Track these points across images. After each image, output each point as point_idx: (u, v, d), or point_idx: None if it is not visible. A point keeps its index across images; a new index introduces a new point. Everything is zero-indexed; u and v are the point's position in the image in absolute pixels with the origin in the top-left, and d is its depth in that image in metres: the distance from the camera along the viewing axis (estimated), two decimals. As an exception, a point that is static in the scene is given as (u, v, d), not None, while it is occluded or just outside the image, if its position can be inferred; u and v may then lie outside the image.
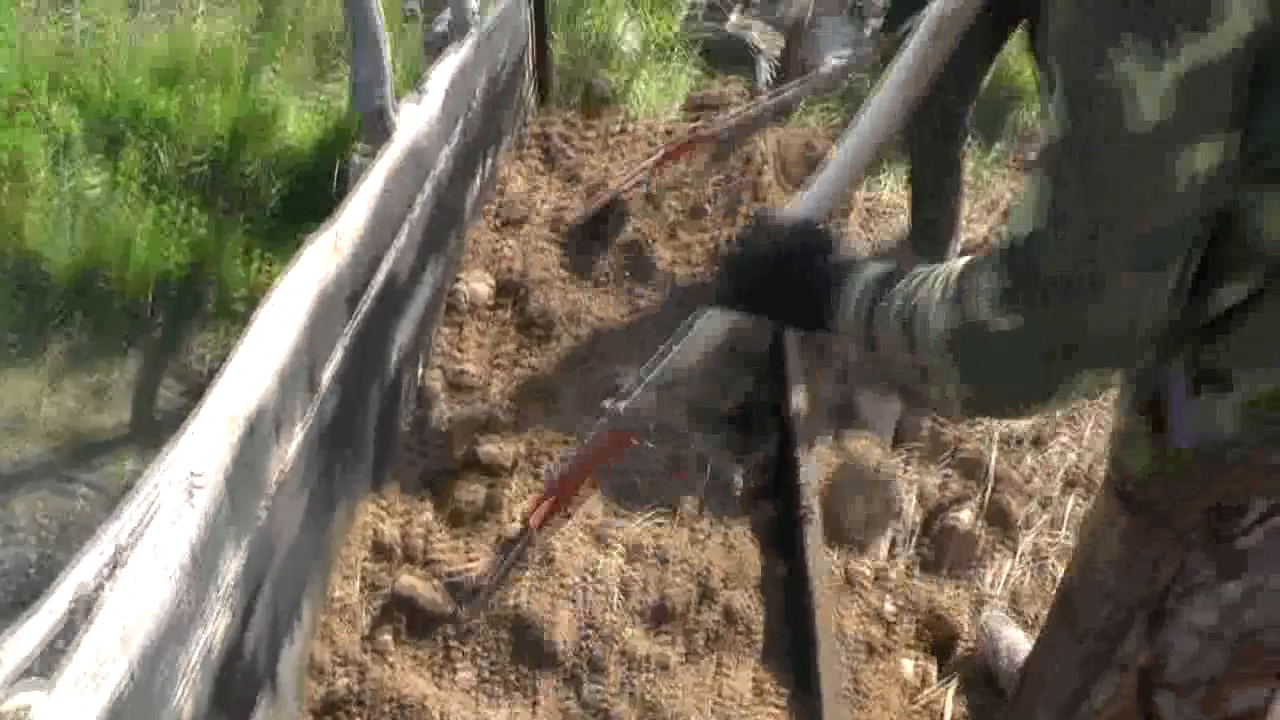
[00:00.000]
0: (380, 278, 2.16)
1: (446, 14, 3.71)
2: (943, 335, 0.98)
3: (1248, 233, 0.92)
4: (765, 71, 4.45)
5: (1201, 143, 0.84)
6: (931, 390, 1.03)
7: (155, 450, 1.37)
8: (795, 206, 1.45)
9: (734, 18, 5.11)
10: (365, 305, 2.07)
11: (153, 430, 3.61)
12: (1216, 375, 1.00)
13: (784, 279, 1.22)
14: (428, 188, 2.55)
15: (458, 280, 2.87)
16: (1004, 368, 0.95)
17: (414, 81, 3.09)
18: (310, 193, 4.40)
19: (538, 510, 1.91)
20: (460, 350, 2.69)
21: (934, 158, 2.84)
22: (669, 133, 3.71)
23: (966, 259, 1.01)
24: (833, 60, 3.89)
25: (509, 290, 2.90)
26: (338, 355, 1.92)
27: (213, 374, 1.53)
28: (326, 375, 1.86)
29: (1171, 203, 0.85)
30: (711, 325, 1.54)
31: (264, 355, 1.58)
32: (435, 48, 3.58)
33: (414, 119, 2.50)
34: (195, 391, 3.41)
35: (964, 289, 0.96)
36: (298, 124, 4.71)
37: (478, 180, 3.16)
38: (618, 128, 3.80)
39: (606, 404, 1.77)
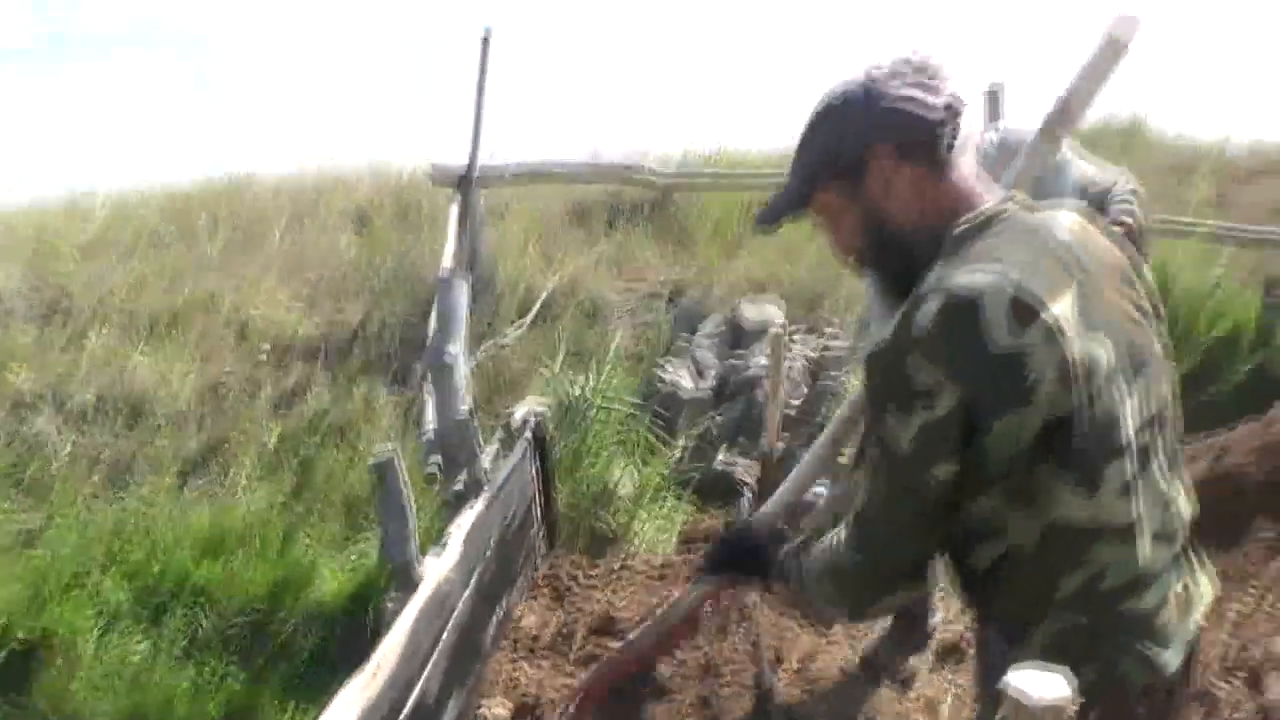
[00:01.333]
0: (410, 704, 2.48)
1: (464, 474, 4.23)
2: (826, 569, 1.61)
3: (987, 512, 1.46)
4: (747, 504, 4.93)
5: (940, 463, 1.40)
6: (825, 610, 1.73)
7: None
8: (765, 508, 2.04)
9: (720, 455, 5.70)
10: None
11: None
12: (1014, 629, 1.49)
13: (747, 556, 1.86)
14: (450, 627, 2.92)
15: (480, 706, 3.17)
16: (856, 587, 1.57)
17: (436, 536, 3.54)
18: (343, 642, 4.76)
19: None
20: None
21: None
22: (665, 565, 4.14)
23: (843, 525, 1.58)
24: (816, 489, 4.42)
25: (525, 712, 3.19)
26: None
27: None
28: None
29: (925, 496, 1.43)
30: (700, 586, 2.12)
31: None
32: (454, 504, 4.07)
33: (436, 569, 2.91)
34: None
35: (835, 543, 1.58)
36: (331, 580, 5.14)
37: (495, 618, 3.53)
38: (619, 564, 4.22)
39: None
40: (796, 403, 5.89)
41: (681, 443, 5.77)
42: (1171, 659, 1.44)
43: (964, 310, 1.35)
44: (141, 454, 6.28)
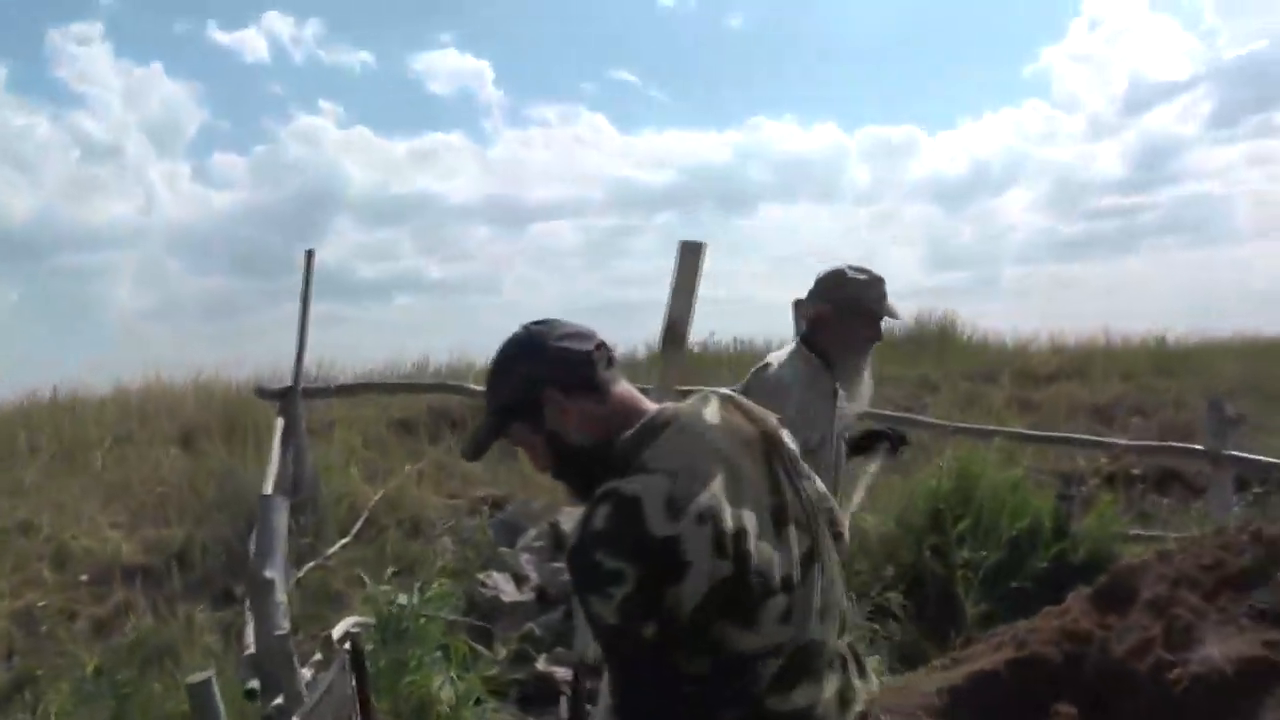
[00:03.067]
0: None
1: (283, 693, 4.36)
2: None
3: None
4: (565, 708, 5.15)
5: (642, 626, 1.74)
6: None
7: None
8: None
9: (541, 661, 5.91)
10: None
11: None
12: None
13: None
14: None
15: None
16: None
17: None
18: None
19: None
20: None
21: None
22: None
23: None
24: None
25: None
26: None
27: None
28: None
29: (644, 658, 1.78)
30: None
31: None
32: (274, 720, 4.18)
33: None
34: None
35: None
36: None
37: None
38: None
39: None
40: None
41: (503, 651, 5.97)
42: None
43: (629, 508, 1.76)
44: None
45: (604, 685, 3.66)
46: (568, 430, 1.95)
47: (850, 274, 3.49)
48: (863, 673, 2.02)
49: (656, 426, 1.90)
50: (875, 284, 3.51)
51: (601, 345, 1.97)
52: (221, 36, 33.26)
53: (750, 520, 1.82)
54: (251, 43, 33.66)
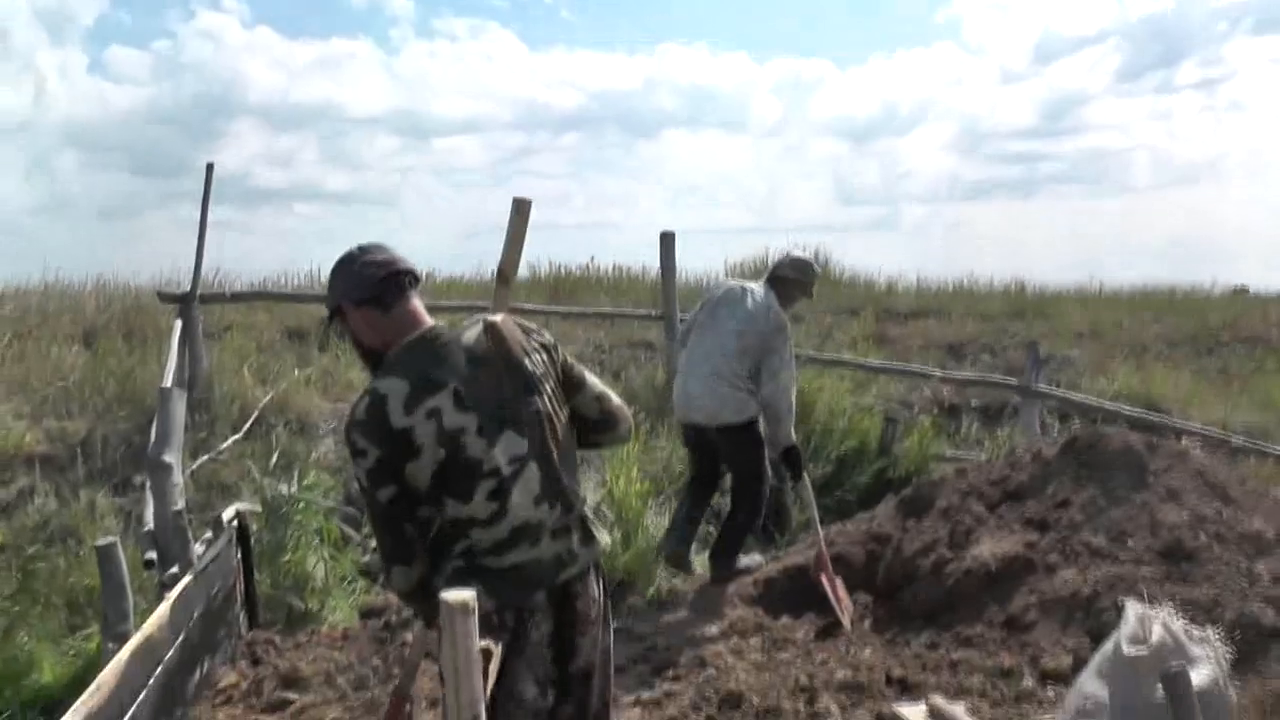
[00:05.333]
0: (125, 723, 3.33)
1: (177, 564, 5.03)
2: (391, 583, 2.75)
3: (424, 515, 2.64)
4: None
5: (381, 489, 2.56)
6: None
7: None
8: None
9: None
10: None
11: None
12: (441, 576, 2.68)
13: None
14: (159, 673, 3.76)
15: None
16: (390, 580, 2.71)
17: (152, 611, 4.30)
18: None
19: None
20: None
21: None
22: (345, 636, 5.10)
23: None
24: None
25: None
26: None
27: None
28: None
29: (381, 512, 2.62)
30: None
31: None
32: (169, 589, 4.86)
33: (147, 625, 3.77)
34: None
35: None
36: (51, 671, 5.55)
37: (197, 675, 4.38)
38: (307, 635, 5.15)
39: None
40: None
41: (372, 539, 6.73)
42: (538, 596, 2.65)
43: (378, 402, 2.57)
44: None
45: None
46: (359, 333, 2.72)
47: (802, 258, 6.50)
48: (588, 540, 2.78)
49: (419, 341, 2.67)
50: (813, 267, 6.54)
51: (396, 273, 2.68)
52: (123, -78, 32.28)
53: (470, 421, 2.58)
54: (155, -69, 32.69)
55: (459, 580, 2.53)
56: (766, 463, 6.19)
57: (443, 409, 2.55)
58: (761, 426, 6.06)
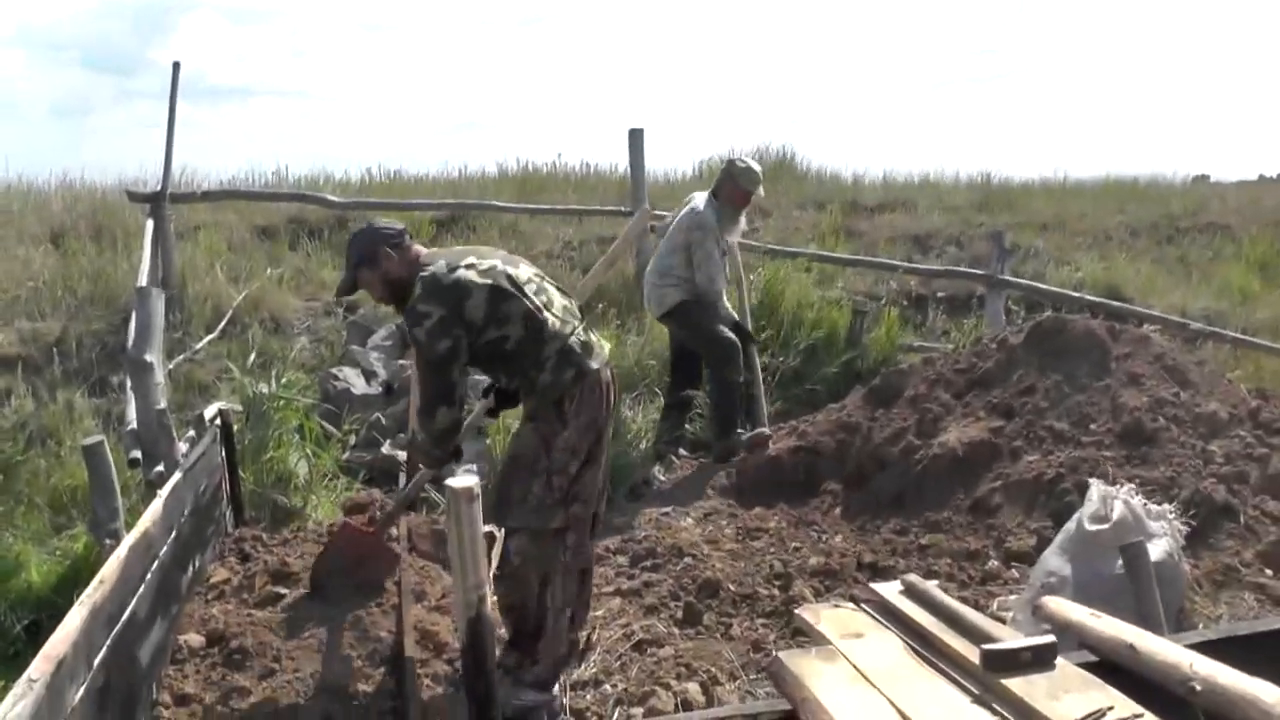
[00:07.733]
0: (122, 621, 3.42)
1: (163, 462, 5.13)
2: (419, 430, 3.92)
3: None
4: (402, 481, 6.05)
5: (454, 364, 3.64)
6: (432, 452, 3.88)
7: None
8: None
9: (386, 445, 6.80)
10: (112, 636, 3.33)
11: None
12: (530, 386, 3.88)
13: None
14: (155, 569, 3.86)
15: (179, 637, 4.13)
16: (429, 426, 3.77)
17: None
18: (52, 622, 5.29)
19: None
20: (184, 677, 3.95)
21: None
22: (332, 528, 5.19)
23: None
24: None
25: (215, 638, 4.17)
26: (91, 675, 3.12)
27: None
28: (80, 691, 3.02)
29: (434, 364, 3.68)
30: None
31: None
32: (155, 487, 4.94)
33: (143, 521, 3.86)
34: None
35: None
36: (38, 571, 5.61)
37: (190, 572, 4.49)
38: (293, 531, 5.25)
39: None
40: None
41: (352, 436, 6.84)
42: (595, 364, 3.81)
43: (430, 278, 3.61)
44: None
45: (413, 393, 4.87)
46: (391, 270, 3.81)
47: (739, 165, 6.88)
48: (596, 335, 4.00)
49: (435, 257, 3.68)
50: (751, 173, 6.87)
51: (401, 230, 3.88)
52: None
53: (524, 273, 3.79)
54: None
55: (560, 365, 3.76)
56: (716, 329, 6.83)
57: (475, 263, 3.71)
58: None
